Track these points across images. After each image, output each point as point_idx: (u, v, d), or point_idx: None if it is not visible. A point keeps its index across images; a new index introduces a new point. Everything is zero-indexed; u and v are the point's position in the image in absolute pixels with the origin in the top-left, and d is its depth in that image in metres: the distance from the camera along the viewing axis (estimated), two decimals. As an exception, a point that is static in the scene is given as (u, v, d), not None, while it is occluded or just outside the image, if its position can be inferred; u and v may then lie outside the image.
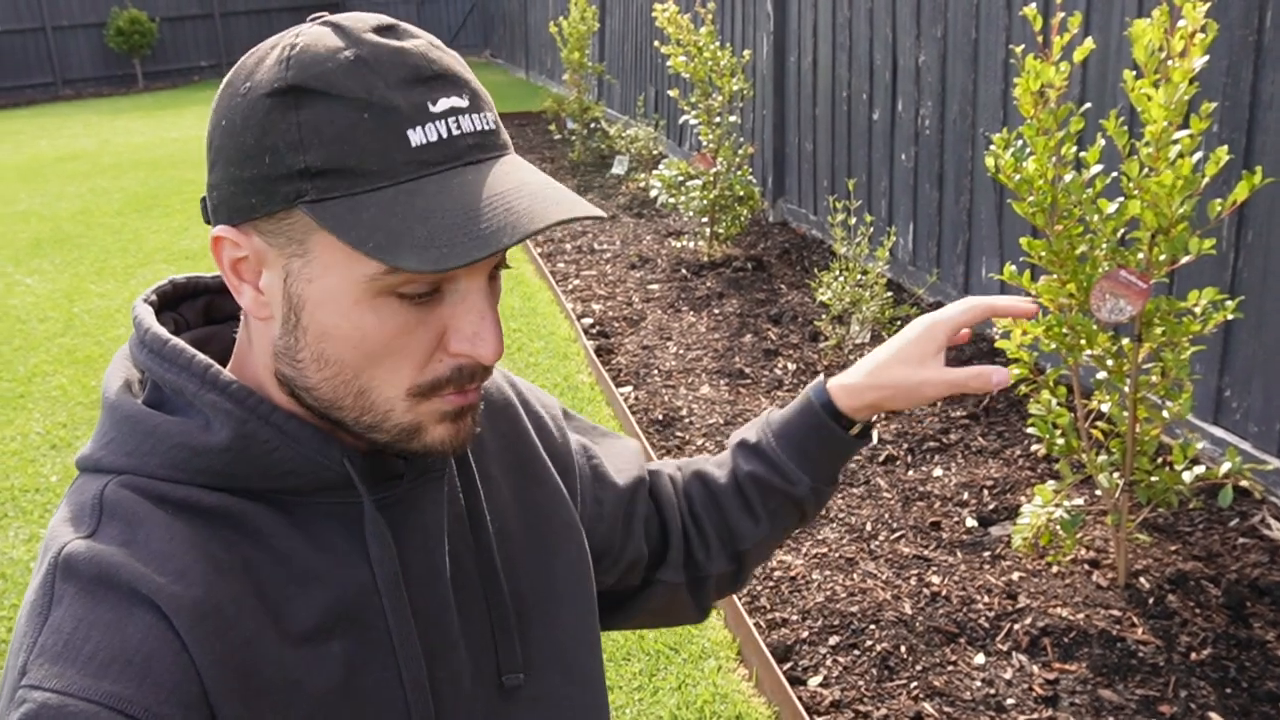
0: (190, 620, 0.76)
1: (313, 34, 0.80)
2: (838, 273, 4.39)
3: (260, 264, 0.82)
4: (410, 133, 0.76)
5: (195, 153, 11.47)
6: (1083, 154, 2.54)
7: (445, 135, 0.77)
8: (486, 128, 0.81)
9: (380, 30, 0.80)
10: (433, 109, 0.77)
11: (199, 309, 0.99)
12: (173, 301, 0.96)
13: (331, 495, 0.86)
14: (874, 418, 1.15)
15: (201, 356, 0.85)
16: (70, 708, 0.71)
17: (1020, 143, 2.58)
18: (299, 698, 0.81)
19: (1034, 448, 3.33)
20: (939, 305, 4.60)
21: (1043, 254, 2.56)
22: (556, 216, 0.76)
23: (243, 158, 0.79)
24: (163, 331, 0.86)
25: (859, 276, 4.33)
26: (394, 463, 0.91)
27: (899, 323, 4.35)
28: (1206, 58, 2.27)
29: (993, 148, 2.61)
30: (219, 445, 0.82)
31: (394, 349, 0.80)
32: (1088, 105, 2.75)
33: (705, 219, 5.88)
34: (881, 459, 3.43)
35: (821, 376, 1.15)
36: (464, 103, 0.79)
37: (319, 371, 0.82)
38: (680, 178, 5.92)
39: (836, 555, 2.92)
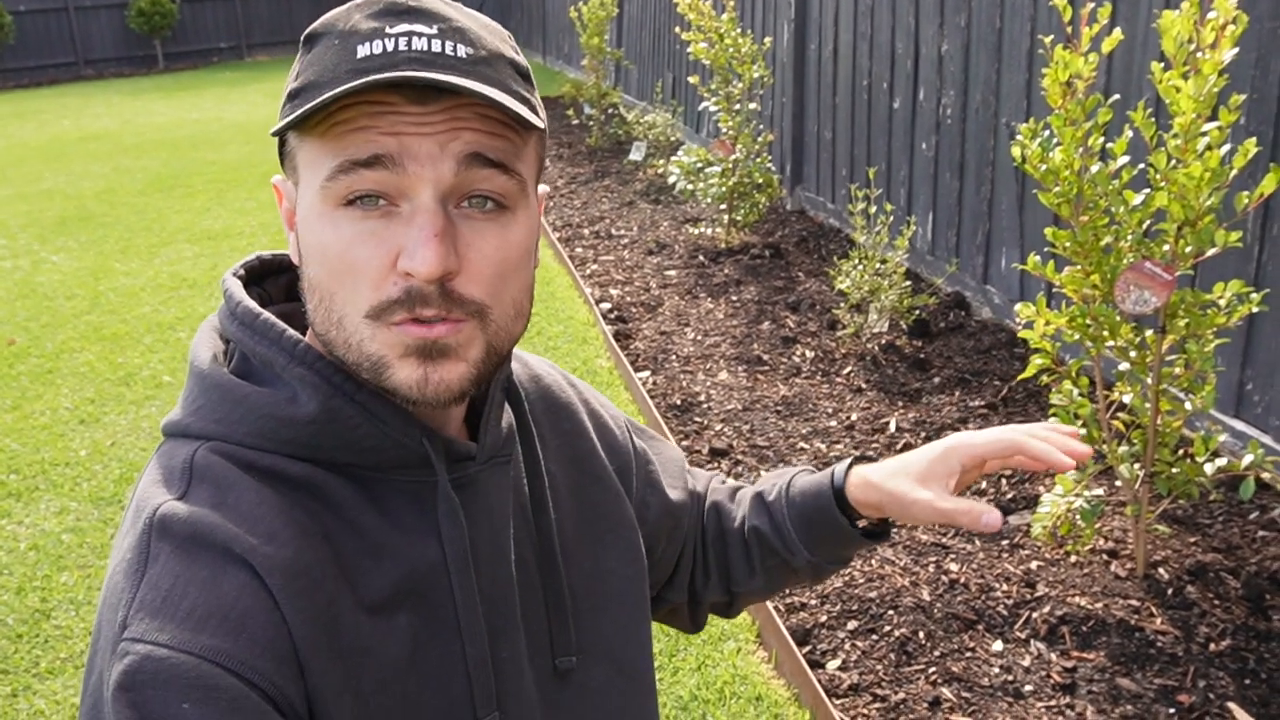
0: (282, 579, 0.79)
1: None
2: (857, 261, 4.39)
3: (294, 207, 0.88)
4: (359, 47, 0.81)
5: (216, 133, 11.50)
6: (1109, 145, 2.54)
7: (390, 49, 0.81)
8: (448, 52, 0.82)
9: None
10: (389, 30, 0.82)
11: (282, 285, 1.02)
12: (258, 276, 1.00)
13: (407, 473, 0.89)
14: (891, 520, 1.12)
15: (292, 332, 0.88)
16: (172, 660, 0.75)
17: (1047, 133, 2.58)
18: (371, 664, 0.84)
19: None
20: (957, 295, 4.61)
21: (1067, 245, 2.57)
22: (434, 77, 0.79)
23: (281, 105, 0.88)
24: (254, 305, 0.90)
25: (878, 265, 4.33)
26: (467, 445, 0.93)
27: (917, 311, 4.35)
28: (1236, 50, 2.27)
29: (1019, 137, 2.61)
30: (305, 417, 0.85)
31: (351, 263, 0.82)
32: (1116, 97, 2.75)
33: (723, 206, 5.89)
34: (899, 448, 3.45)
35: (851, 459, 1.13)
36: (428, 29, 0.82)
37: (311, 299, 0.86)
38: (699, 164, 5.92)
39: (855, 542, 2.93)
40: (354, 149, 0.80)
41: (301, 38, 0.87)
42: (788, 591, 2.75)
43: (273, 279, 1.00)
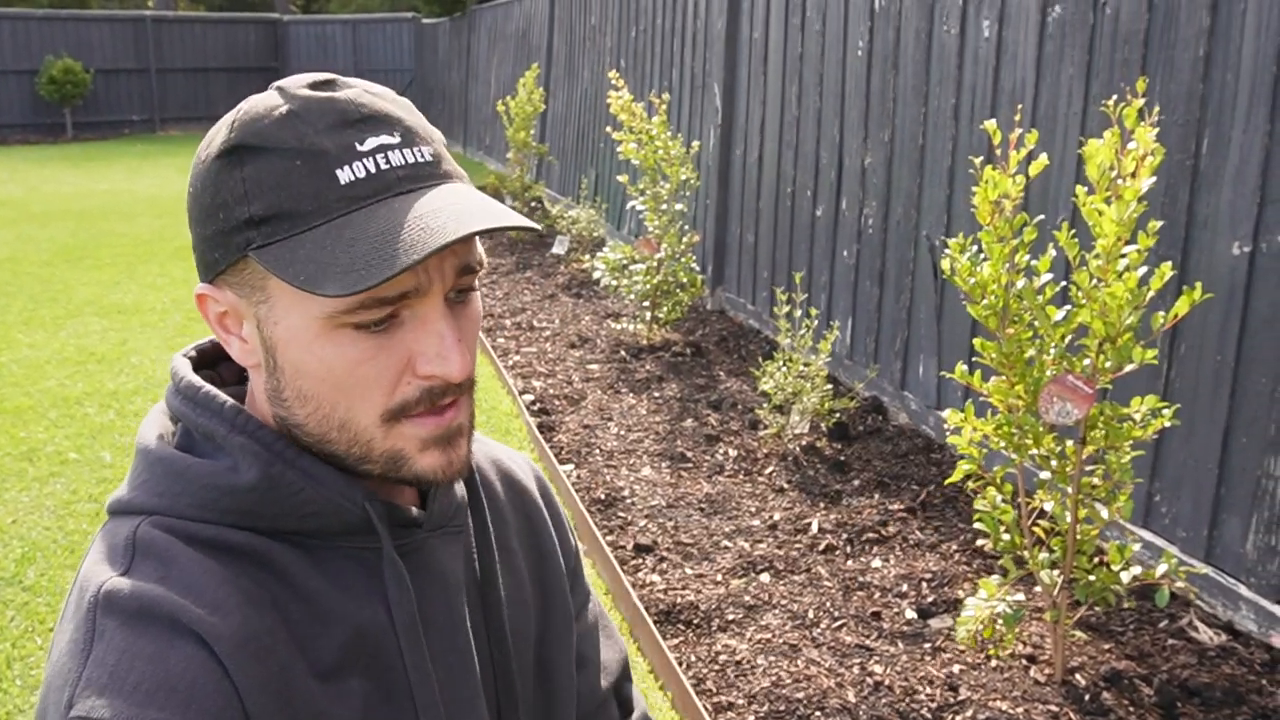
0: (230, 648, 0.79)
1: (258, 98, 0.87)
2: (780, 363, 4.48)
3: (239, 315, 0.88)
4: (339, 171, 0.82)
5: (127, 205, 11.32)
6: (1034, 262, 2.66)
7: (374, 170, 0.82)
8: (420, 159, 0.85)
9: (315, 85, 0.86)
10: (360, 148, 0.83)
11: (235, 369, 1.02)
12: (211, 360, 1.00)
13: (352, 539, 0.90)
14: None
15: (232, 402, 0.89)
16: None
17: (976, 248, 2.70)
18: None
19: (980, 542, 3.41)
20: (875, 399, 4.72)
21: (994, 355, 2.66)
22: (473, 226, 0.80)
23: (204, 217, 0.86)
24: (196, 379, 0.91)
25: (801, 368, 4.42)
26: (413, 511, 0.94)
27: (837, 415, 4.44)
28: (1154, 179, 2.41)
29: (949, 252, 2.72)
30: (246, 485, 0.85)
31: (360, 378, 0.83)
32: (1040, 216, 2.88)
33: (646, 303, 5.97)
34: (822, 548, 3.49)
35: None
36: (394, 139, 0.84)
37: (302, 408, 0.86)
38: (625, 261, 6.01)
39: (780, 641, 2.95)
40: (380, 289, 0.80)
41: (223, 148, 0.84)
42: (715, 690, 2.75)
43: (226, 363, 1.00)
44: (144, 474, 0.88)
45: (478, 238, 0.87)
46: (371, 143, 0.83)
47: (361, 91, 0.86)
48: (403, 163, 0.83)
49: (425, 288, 0.83)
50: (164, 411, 0.94)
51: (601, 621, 1.19)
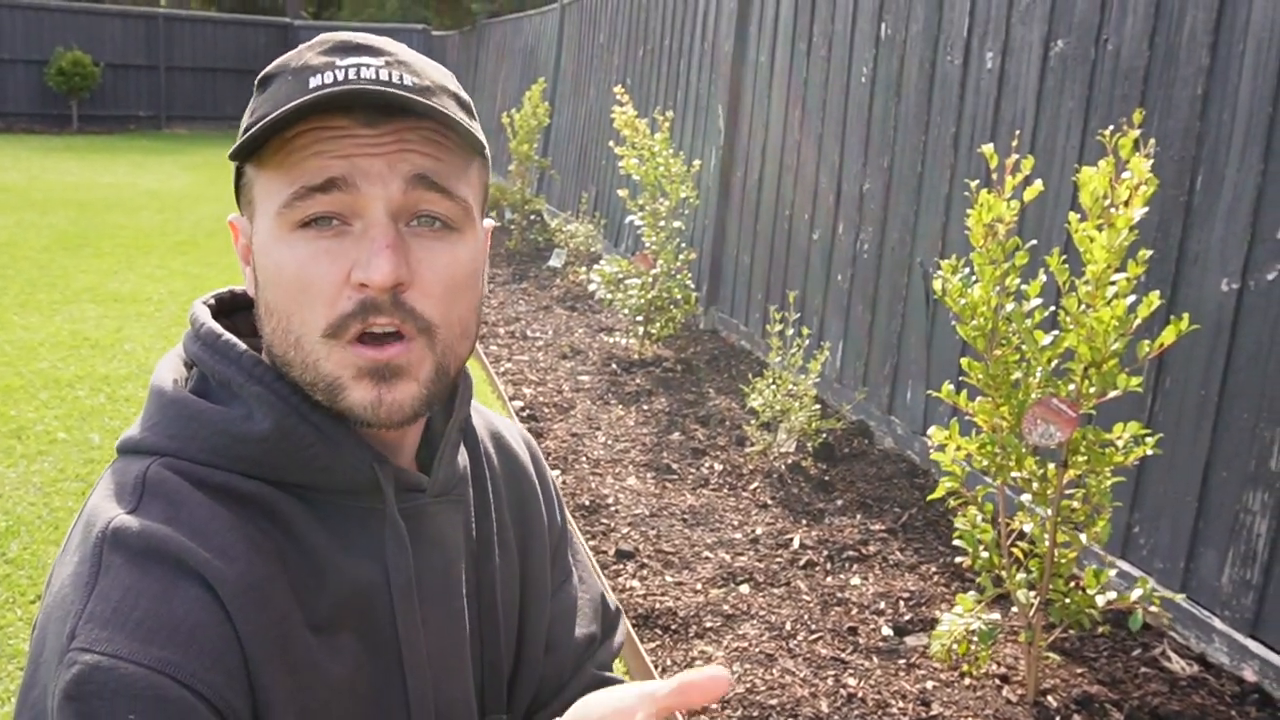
0: (234, 593, 0.79)
1: None
2: (770, 381, 4.51)
3: (249, 241, 0.91)
4: (312, 78, 0.85)
5: (129, 199, 11.34)
6: (1024, 286, 2.70)
7: (342, 78, 0.85)
8: (395, 79, 0.86)
9: (339, 40, 0.90)
10: (340, 63, 0.86)
11: (252, 321, 1.04)
12: (229, 310, 1.01)
13: (356, 498, 0.90)
14: None
15: (251, 352, 0.90)
16: (120, 670, 0.74)
17: (968, 270, 2.73)
18: (319, 681, 0.84)
19: (959, 560, 3.43)
20: (861, 423, 4.74)
21: (980, 376, 2.69)
22: (355, 89, 0.83)
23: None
24: (217, 327, 0.92)
25: (790, 387, 4.45)
26: (418, 476, 0.95)
27: (824, 435, 4.47)
28: (1146, 209, 2.45)
29: (940, 272, 2.76)
30: (259, 434, 0.86)
31: (305, 283, 0.84)
32: (1033, 242, 2.92)
33: (640, 318, 6.00)
34: (802, 563, 3.51)
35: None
36: (375, 61, 0.87)
37: (269, 323, 0.88)
38: (621, 275, 6.04)
39: (756, 650, 2.96)
40: (308, 175, 0.83)
41: (256, 81, 0.92)
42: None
43: (244, 314, 1.01)
44: (156, 415, 0.89)
45: (445, 170, 0.87)
46: (352, 60, 0.86)
47: (386, 40, 0.90)
48: (374, 77, 0.85)
49: (356, 182, 0.84)
50: (180, 356, 0.95)
51: (581, 601, 1.18)
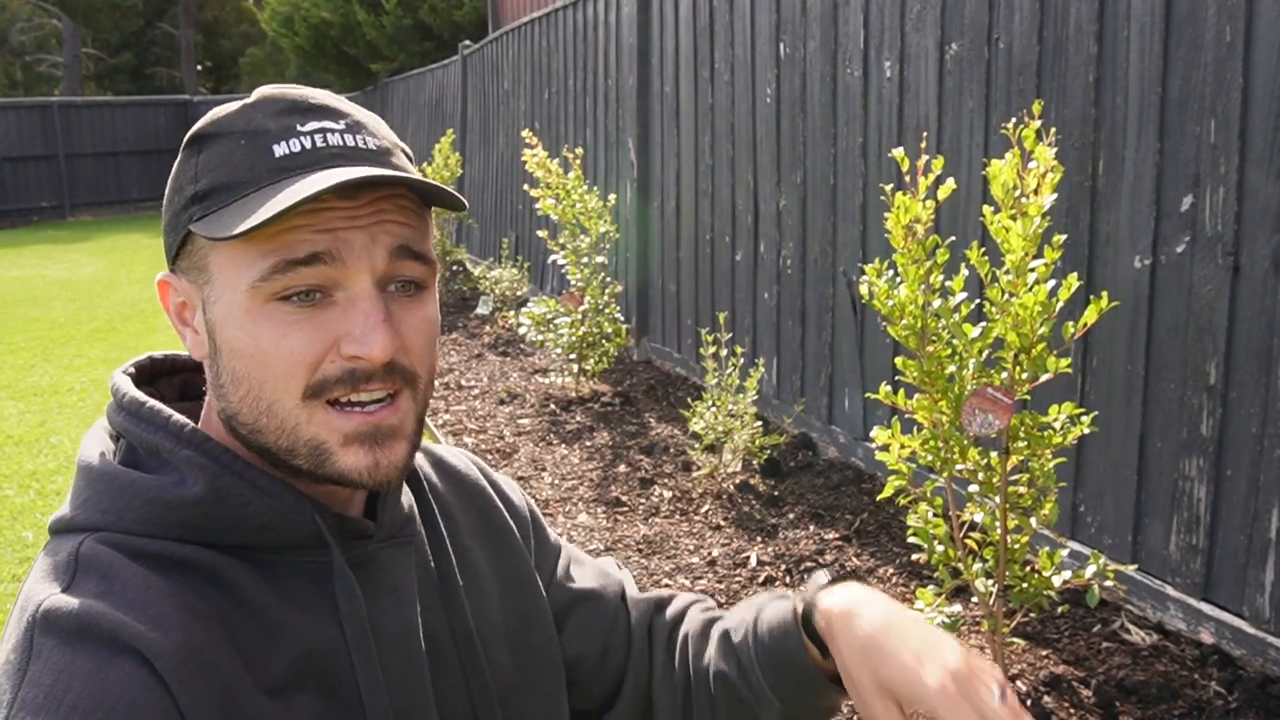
0: (172, 663, 0.77)
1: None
2: (710, 403, 4.54)
3: (192, 304, 0.89)
4: (274, 146, 0.84)
5: (37, 290, 11.12)
6: (948, 282, 2.75)
7: (309, 146, 0.84)
8: (361, 145, 0.86)
9: (288, 99, 0.89)
10: (301, 128, 0.85)
11: (175, 385, 1.02)
12: (150, 377, 1.00)
13: (302, 553, 0.89)
14: None
15: (178, 416, 0.88)
16: None
17: (891, 272, 2.78)
18: None
19: (915, 556, 3.47)
20: (804, 435, 4.78)
21: (915, 374, 2.74)
22: (362, 174, 0.81)
23: (166, 205, 0.90)
24: (139, 394, 0.90)
25: (730, 407, 4.48)
26: (364, 522, 0.94)
27: (768, 451, 4.50)
28: (1056, 195, 2.52)
29: (865, 277, 2.81)
30: (193, 498, 0.84)
31: (285, 352, 0.83)
32: (953, 238, 2.99)
33: (573, 356, 6.00)
34: (761, 580, 3.52)
35: (829, 577, 1.02)
36: (337, 125, 0.86)
37: (235, 392, 0.86)
38: (550, 315, 6.04)
39: (726, 671, 2.96)
40: (289, 249, 0.82)
41: (187, 139, 0.89)
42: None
43: (166, 379, 1.01)
44: (86, 491, 0.87)
45: (418, 237, 0.88)
46: (313, 125, 0.85)
47: (328, 95, 0.90)
48: (340, 144, 0.85)
49: (341, 256, 0.83)
50: (105, 429, 0.93)
51: (579, 561, 1.20)
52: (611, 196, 6.42)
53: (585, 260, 5.89)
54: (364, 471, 0.86)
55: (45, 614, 0.78)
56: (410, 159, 0.93)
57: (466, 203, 0.93)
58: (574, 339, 5.86)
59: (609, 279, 6.04)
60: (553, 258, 6.06)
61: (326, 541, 0.89)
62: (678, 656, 1.13)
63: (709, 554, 3.76)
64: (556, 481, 4.61)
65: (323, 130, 0.85)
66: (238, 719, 0.80)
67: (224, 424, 0.89)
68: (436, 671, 0.96)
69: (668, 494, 4.36)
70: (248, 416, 0.86)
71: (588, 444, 5.09)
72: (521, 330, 6.27)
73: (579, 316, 5.84)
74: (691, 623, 1.16)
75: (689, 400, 5.36)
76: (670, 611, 1.18)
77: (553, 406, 5.78)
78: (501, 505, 1.14)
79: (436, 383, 6.24)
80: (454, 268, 9.99)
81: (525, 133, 6.00)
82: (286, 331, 0.83)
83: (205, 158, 0.86)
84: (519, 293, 8.42)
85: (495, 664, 1.03)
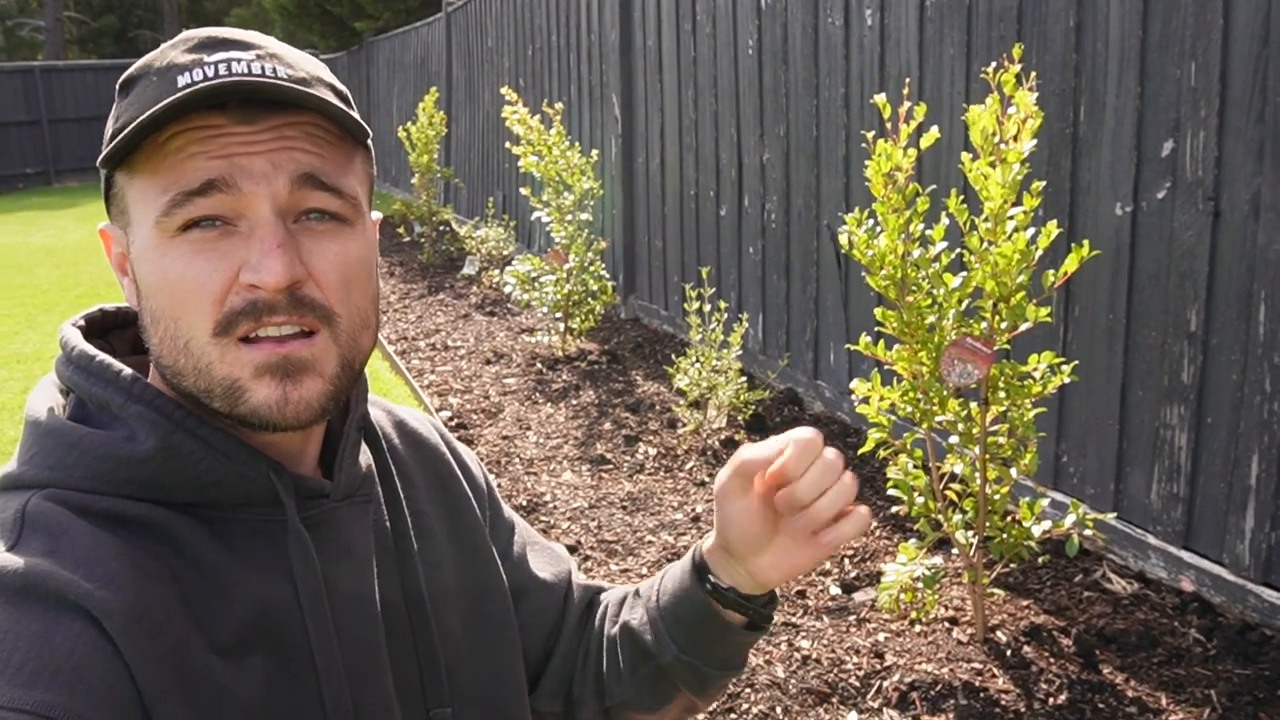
0: (122, 623, 0.75)
1: None
2: (694, 359, 4.51)
3: (126, 251, 0.87)
4: (180, 77, 0.82)
5: (21, 257, 11.05)
6: (928, 231, 2.72)
7: (212, 75, 0.82)
8: (269, 73, 0.83)
9: (205, 35, 0.87)
10: (208, 59, 0.83)
11: (128, 339, 0.99)
12: (100, 330, 0.97)
13: (256, 511, 0.87)
14: (766, 597, 1.03)
15: (128, 370, 0.86)
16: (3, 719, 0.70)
17: (871, 221, 2.75)
18: (228, 706, 0.80)
19: (895, 509, 3.46)
20: (790, 390, 4.77)
21: (895, 325, 2.72)
22: (230, 83, 0.80)
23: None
24: (89, 348, 0.88)
25: (714, 362, 4.46)
26: (320, 481, 0.92)
27: (753, 407, 4.48)
28: (1035, 141, 2.49)
29: (845, 226, 2.77)
30: (144, 455, 0.82)
31: (190, 284, 0.81)
32: (933, 187, 2.95)
33: (559, 314, 5.97)
34: (745, 534, 3.51)
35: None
36: (245, 55, 0.84)
37: (155, 333, 0.84)
38: (534, 274, 6.01)
39: (708, 626, 2.96)
40: (185, 179, 0.80)
41: (118, 85, 0.88)
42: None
43: (118, 333, 0.98)
44: (34, 447, 0.84)
45: (331, 169, 0.85)
46: (220, 56, 0.83)
47: (252, 33, 0.87)
48: (246, 72, 0.82)
49: (238, 183, 0.81)
50: (54, 383, 0.90)
51: (533, 544, 1.19)
52: (594, 152, 6.36)
53: (569, 217, 5.85)
54: (273, 406, 0.82)
55: None
56: (340, 94, 0.89)
57: (367, 130, 0.89)
58: (559, 297, 5.83)
59: (594, 236, 5.99)
60: (536, 214, 6.02)
61: (281, 500, 0.87)
62: (597, 624, 1.16)
63: (693, 510, 3.75)
64: (541, 440, 4.60)
65: (229, 59, 0.82)
66: (188, 679, 0.78)
67: (160, 376, 0.87)
68: (388, 635, 0.94)
69: (653, 451, 4.35)
70: (168, 358, 0.84)
71: (573, 402, 5.07)
72: (506, 289, 6.23)
73: (564, 275, 5.81)
74: (615, 594, 1.18)
75: (675, 356, 5.34)
76: (607, 595, 1.20)
77: (539, 365, 5.76)
78: (460, 474, 1.12)
79: (423, 344, 6.20)
80: (440, 228, 9.94)
81: (506, 90, 5.93)
82: (191, 262, 0.81)
83: (126, 100, 0.85)
84: (505, 252, 8.37)
85: (447, 631, 1.01)
